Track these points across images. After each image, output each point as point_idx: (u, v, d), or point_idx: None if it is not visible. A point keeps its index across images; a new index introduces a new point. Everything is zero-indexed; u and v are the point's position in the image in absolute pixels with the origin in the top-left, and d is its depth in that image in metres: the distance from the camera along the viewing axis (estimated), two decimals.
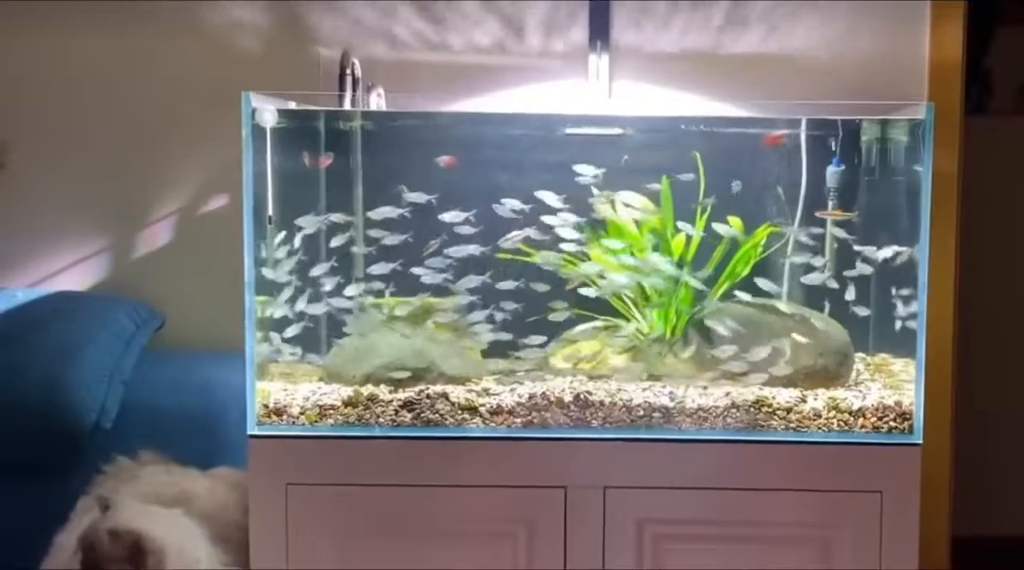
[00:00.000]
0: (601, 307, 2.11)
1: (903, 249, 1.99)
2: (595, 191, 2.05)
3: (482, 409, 1.97)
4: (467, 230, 2.01)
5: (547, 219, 2.02)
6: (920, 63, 2.47)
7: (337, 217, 2.04)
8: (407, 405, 1.97)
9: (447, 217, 2.00)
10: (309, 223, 2.04)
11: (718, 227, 2.04)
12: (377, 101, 2.31)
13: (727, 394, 1.98)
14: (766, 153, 2.10)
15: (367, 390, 1.99)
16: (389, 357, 2.04)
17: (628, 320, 2.11)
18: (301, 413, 1.97)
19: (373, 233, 2.04)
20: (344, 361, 2.07)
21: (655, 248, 2.07)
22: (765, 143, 2.08)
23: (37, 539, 2.00)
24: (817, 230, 2.09)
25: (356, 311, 2.07)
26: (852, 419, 1.96)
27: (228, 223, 2.40)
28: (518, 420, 1.97)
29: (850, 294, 2.06)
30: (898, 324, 2.04)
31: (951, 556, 2.57)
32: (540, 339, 2.06)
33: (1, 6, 2.51)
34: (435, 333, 2.07)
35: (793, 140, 2.11)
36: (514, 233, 2.01)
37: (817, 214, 2.08)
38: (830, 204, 2.11)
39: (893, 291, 2.04)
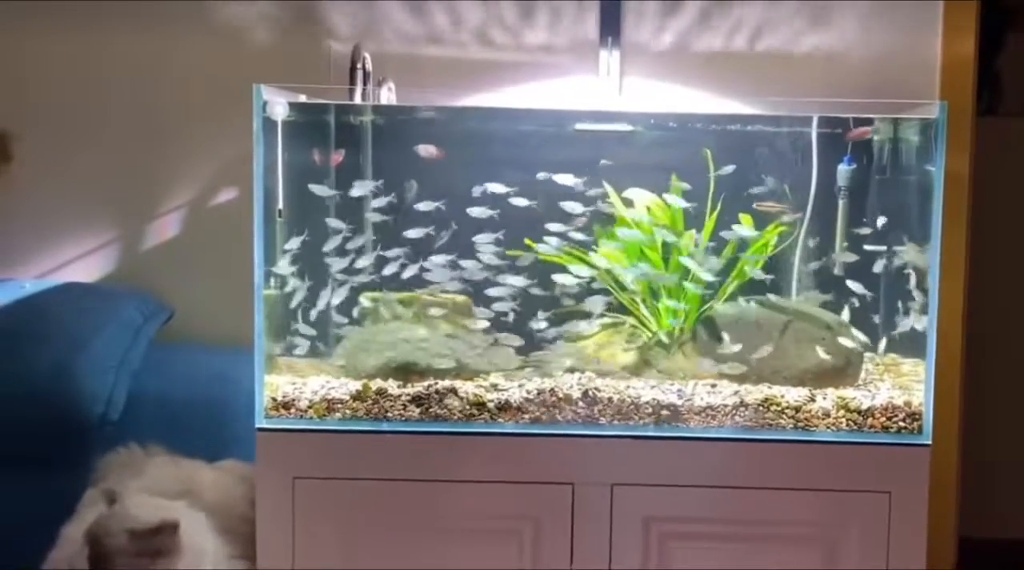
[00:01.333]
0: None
1: (916, 253, 1.99)
2: (607, 187, 2.05)
3: (490, 404, 1.96)
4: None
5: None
6: (932, 63, 2.46)
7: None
8: (416, 400, 1.97)
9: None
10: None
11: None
12: (388, 95, 2.31)
13: (736, 392, 1.98)
14: (775, 151, 2.10)
15: (376, 384, 1.99)
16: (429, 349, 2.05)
17: (636, 317, 2.11)
18: (309, 407, 1.97)
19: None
20: (358, 352, 2.07)
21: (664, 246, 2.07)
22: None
23: (44, 531, 2.00)
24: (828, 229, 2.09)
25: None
26: (861, 419, 1.95)
27: (238, 216, 2.40)
28: (526, 416, 1.96)
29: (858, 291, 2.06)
30: (908, 324, 2.03)
31: (957, 557, 2.56)
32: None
33: (14, 4, 2.51)
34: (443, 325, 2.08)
35: (804, 138, 2.10)
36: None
37: (755, 206, 2.06)
38: (840, 202, 2.10)
39: (903, 290, 2.04)
